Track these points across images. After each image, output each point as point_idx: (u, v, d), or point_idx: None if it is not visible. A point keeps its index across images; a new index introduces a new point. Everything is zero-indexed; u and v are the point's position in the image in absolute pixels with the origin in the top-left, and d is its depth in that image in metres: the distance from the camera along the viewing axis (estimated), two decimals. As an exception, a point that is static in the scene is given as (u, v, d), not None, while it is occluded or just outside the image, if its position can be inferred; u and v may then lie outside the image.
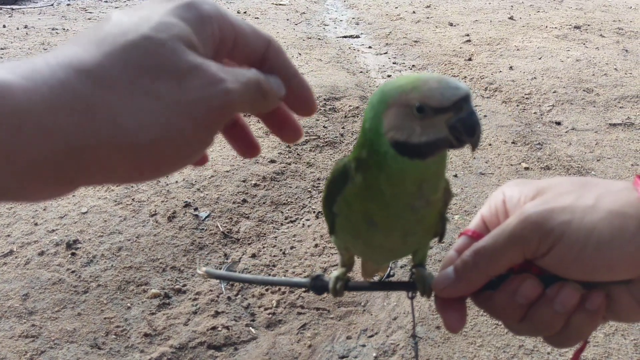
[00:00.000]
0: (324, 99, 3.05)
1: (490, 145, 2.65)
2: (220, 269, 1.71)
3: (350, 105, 2.98)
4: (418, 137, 0.38)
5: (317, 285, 0.51)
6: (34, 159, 0.28)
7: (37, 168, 0.29)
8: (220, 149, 2.43)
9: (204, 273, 0.50)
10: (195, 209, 1.99)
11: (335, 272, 0.53)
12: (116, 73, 0.30)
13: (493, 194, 0.47)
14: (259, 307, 1.59)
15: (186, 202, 2.02)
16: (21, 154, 0.28)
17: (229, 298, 1.61)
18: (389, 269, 1.68)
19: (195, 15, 0.34)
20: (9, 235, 1.83)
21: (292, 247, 1.85)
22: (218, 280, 1.67)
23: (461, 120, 0.37)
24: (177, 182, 2.14)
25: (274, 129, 0.43)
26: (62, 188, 0.31)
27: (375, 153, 0.40)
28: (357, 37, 4.92)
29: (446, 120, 0.38)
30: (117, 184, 0.33)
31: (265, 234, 1.93)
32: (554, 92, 3.26)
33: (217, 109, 0.33)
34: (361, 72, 3.80)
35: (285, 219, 2.02)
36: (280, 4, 6.42)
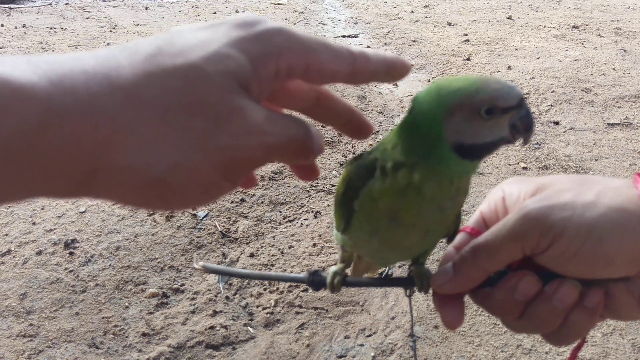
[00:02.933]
0: (323, 99, 3.04)
1: (488, 144, 2.65)
2: (218, 268, 1.70)
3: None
4: (483, 138, 0.39)
5: (314, 280, 0.51)
6: (48, 173, 0.27)
7: (49, 182, 0.27)
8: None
9: (201, 267, 0.50)
10: (194, 208, 1.99)
11: (333, 267, 0.53)
12: (151, 96, 0.28)
13: (492, 191, 0.46)
14: (257, 306, 1.59)
15: (184, 201, 2.01)
16: (36, 166, 0.26)
17: (227, 297, 1.61)
18: (387, 269, 1.68)
19: (261, 50, 0.31)
20: (6, 235, 1.82)
21: (290, 247, 1.85)
22: (216, 279, 1.67)
23: (522, 117, 0.40)
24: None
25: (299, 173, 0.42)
26: (63, 199, 0.30)
27: (433, 157, 0.40)
28: (356, 36, 4.91)
29: (509, 118, 0.39)
30: (125, 207, 0.31)
31: (263, 233, 1.92)
32: (552, 91, 3.27)
33: (247, 161, 0.31)
34: (360, 71, 3.80)
35: (284, 219, 2.01)
36: (278, 4, 6.42)
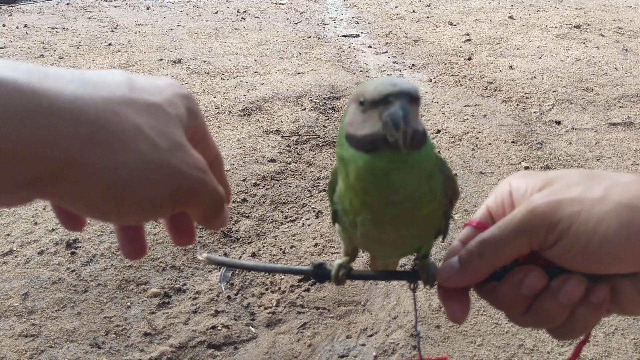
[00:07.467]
0: (324, 98, 3.04)
1: (490, 144, 2.64)
2: (219, 270, 1.70)
3: (350, 105, 2.98)
4: (360, 130, 0.40)
5: (319, 272, 0.50)
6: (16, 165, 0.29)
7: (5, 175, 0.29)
8: (219, 148, 2.43)
9: (204, 259, 0.50)
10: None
11: (338, 260, 0.52)
12: (128, 113, 0.33)
13: (499, 185, 0.46)
14: (259, 306, 1.59)
15: (186, 201, 2.01)
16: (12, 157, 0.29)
17: (228, 297, 1.61)
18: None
19: (189, 107, 0.39)
20: (8, 235, 1.82)
21: (292, 247, 1.85)
22: (217, 279, 1.67)
23: (390, 114, 0.39)
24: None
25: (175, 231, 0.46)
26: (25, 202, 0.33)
27: (340, 145, 0.43)
28: (357, 36, 4.92)
29: (380, 114, 0.39)
30: (81, 214, 0.36)
31: (265, 233, 1.92)
32: (554, 91, 3.26)
33: (190, 193, 0.36)
34: (361, 71, 3.80)
35: (285, 218, 2.01)
36: (280, 3, 6.42)
